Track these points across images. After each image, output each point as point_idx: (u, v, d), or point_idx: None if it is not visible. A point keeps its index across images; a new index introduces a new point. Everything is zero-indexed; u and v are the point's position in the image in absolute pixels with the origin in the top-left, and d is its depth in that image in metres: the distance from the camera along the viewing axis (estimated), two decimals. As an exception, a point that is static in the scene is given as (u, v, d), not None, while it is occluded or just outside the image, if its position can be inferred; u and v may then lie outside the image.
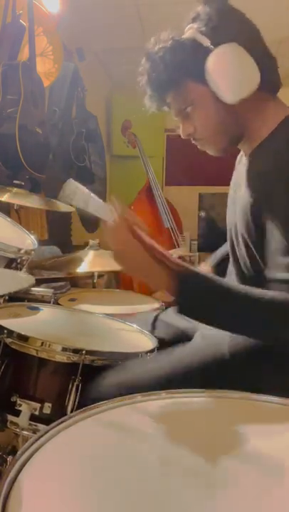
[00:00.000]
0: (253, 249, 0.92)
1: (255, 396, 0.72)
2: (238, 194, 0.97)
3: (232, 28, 0.91)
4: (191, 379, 0.92)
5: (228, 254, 1.11)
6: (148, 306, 1.65)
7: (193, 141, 1.02)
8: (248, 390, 0.73)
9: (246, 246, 0.93)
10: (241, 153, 1.09)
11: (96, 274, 2.07)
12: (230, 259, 1.06)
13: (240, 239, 0.95)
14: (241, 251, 0.96)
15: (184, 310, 0.86)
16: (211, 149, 1.01)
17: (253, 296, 0.82)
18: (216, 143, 0.99)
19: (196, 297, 0.85)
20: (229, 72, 0.89)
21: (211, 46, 0.89)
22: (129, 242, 0.88)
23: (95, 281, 2.09)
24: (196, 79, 0.92)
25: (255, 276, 0.93)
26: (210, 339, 1.01)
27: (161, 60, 0.92)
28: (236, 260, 1.01)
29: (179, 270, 0.86)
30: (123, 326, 1.28)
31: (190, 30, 0.93)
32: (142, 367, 0.99)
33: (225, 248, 1.28)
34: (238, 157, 1.11)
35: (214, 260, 1.31)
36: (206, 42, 0.90)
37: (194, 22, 0.93)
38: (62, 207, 2.06)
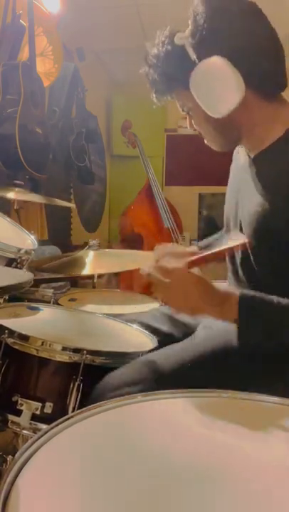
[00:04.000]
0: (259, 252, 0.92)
1: (255, 396, 0.72)
2: (246, 197, 0.96)
3: (219, 39, 0.86)
4: (203, 368, 0.91)
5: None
6: (148, 306, 1.65)
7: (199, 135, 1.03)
8: (258, 381, 0.73)
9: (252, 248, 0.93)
10: (237, 149, 1.08)
11: (96, 274, 2.06)
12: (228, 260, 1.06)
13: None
14: (243, 253, 0.96)
15: (249, 333, 0.83)
16: (213, 146, 1.02)
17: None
18: (213, 142, 1.00)
19: (258, 317, 0.83)
20: (210, 90, 0.87)
21: (196, 60, 0.87)
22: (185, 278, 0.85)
23: (95, 281, 2.09)
24: (188, 87, 0.90)
25: (251, 279, 0.94)
26: (217, 329, 1.00)
27: (156, 66, 0.93)
28: (233, 263, 1.02)
29: (239, 293, 0.84)
30: (123, 326, 1.28)
31: (180, 39, 0.90)
32: (154, 358, 0.97)
33: (217, 236, 1.30)
34: (236, 153, 1.10)
35: (204, 244, 1.30)
36: (193, 55, 0.87)
37: (190, 25, 0.89)
38: (62, 203, 2.05)
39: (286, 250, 0.88)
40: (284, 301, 0.82)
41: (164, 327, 1.21)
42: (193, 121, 1.00)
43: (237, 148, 1.09)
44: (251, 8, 0.90)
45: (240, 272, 1.00)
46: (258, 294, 0.84)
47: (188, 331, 1.16)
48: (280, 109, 0.93)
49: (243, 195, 0.98)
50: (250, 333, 0.83)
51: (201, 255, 0.93)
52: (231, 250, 0.98)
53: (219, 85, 0.86)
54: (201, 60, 0.86)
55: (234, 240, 0.95)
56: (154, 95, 0.99)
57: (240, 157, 1.05)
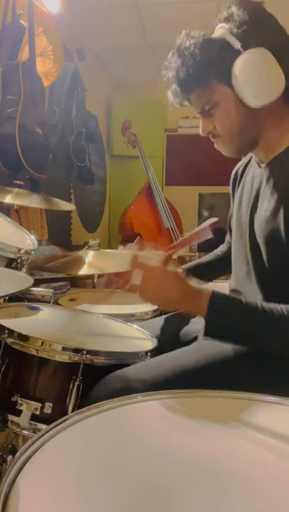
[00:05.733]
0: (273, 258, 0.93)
1: (255, 396, 0.72)
2: (259, 204, 0.97)
3: (263, 33, 0.91)
4: (196, 377, 0.93)
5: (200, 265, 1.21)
6: (148, 306, 1.65)
7: (211, 139, 1.02)
8: (253, 389, 0.74)
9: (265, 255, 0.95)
10: (245, 161, 1.09)
11: (96, 274, 2.06)
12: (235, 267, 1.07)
13: (258, 251, 0.96)
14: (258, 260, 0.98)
15: (213, 331, 0.87)
16: (225, 149, 1.02)
17: (267, 311, 0.84)
18: (230, 143, 0.99)
19: (225, 318, 0.87)
20: (256, 77, 0.89)
21: (241, 49, 0.89)
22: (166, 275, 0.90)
23: (95, 281, 2.09)
24: (222, 79, 0.92)
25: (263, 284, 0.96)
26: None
27: (192, 55, 0.92)
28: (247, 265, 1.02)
29: (212, 293, 0.87)
30: (123, 326, 1.28)
31: (221, 30, 0.93)
32: (148, 365, 0.99)
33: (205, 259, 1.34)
34: (242, 166, 1.12)
35: (187, 266, 1.33)
36: (237, 44, 0.90)
37: (226, 22, 0.92)
38: (63, 206, 2.06)
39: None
40: (252, 303, 0.86)
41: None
42: (215, 120, 0.98)
43: (242, 166, 1.10)
44: (272, 17, 0.95)
45: (254, 278, 1.00)
46: (228, 295, 0.88)
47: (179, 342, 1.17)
48: None
49: (255, 202, 0.99)
50: (217, 329, 0.87)
51: (178, 241, 0.96)
52: (207, 231, 1.01)
53: (264, 75, 0.89)
54: (246, 49, 0.89)
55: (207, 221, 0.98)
56: (175, 93, 0.98)
57: (251, 167, 1.06)
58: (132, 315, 1.49)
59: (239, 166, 1.14)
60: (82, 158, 3.27)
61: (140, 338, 1.18)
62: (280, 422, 0.66)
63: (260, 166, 1.00)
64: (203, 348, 1.00)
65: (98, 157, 4.04)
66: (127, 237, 3.89)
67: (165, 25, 3.11)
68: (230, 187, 1.17)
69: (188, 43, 0.93)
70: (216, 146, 1.02)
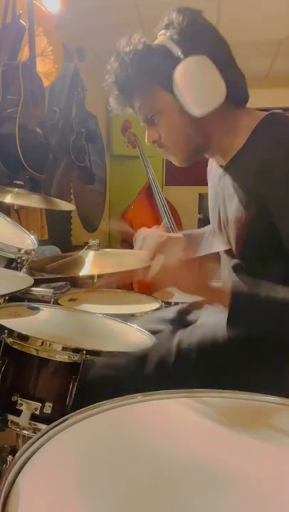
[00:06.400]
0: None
1: (256, 396, 0.72)
2: (231, 206, 0.97)
3: (203, 40, 0.90)
4: (190, 359, 0.95)
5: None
6: (148, 306, 1.65)
7: (157, 149, 1.01)
8: (245, 376, 0.74)
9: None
10: (212, 162, 1.10)
11: (96, 274, 2.06)
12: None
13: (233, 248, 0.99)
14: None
15: (238, 320, 0.86)
16: (173, 159, 1.01)
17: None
18: (178, 153, 0.99)
19: (247, 305, 0.85)
20: (196, 85, 0.88)
21: (181, 56, 0.88)
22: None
23: (95, 281, 2.09)
24: (163, 87, 0.91)
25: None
26: (207, 323, 1.03)
27: (131, 62, 0.91)
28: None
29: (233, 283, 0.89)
30: (123, 326, 1.28)
31: (162, 37, 0.92)
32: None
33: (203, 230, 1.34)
34: (209, 166, 1.14)
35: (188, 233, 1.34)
36: (177, 51, 0.88)
37: (167, 29, 0.91)
38: (63, 205, 2.06)
39: (266, 253, 0.91)
40: (272, 294, 0.85)
41: (158, 326, 1.23)
42: (159, 129, 0.97)
43: (210, 161, 1.11)
44: (212, 26, 0.94)
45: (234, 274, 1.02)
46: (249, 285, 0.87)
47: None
48: (244, 119, 0.94)
49: (222, 202, 1.01)
50: (239, 319, 0.86)
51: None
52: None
53: (204, 83, 0.88)
54: (187, 56, 0.88)
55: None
56: (116, 99, 0.98)
57: (213, 168, 1.09)
58: (132, 315, 1.49)
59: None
60: (82, 158, 3.26)
61: (140, 337, 1.18)
62: (281, 421, 0.66)
63: (221, 166, 1.01)
64: (199, 329, 1.02)
65: (98, 157, 4.03)
66: (127, 237, 3.88)
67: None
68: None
69: (128, 49, 0.92)
70: (163, 156, 1.02)
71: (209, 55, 0.87)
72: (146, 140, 1.01)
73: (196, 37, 0.89)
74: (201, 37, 0.90)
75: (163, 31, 0.92)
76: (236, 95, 0.93)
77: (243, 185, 0.92)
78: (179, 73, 0.88)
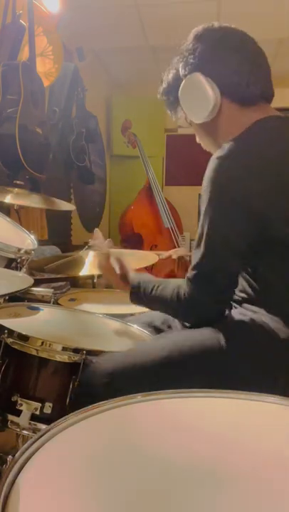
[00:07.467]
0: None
1: (255, 396, 0.72)
2: None
3: (201, 56, 1.02)
4: (191, 362, 0.98)
5: None
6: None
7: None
8: (244, 379, 0.77)
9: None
10: None
11: (96, 274, 2.06)
12: None
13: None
14: None
15: (134, 301, 1.16)
16: (211, 151, 1.12)
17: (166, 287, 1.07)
18: (211, 150, 1.11)
19: (139, 294, 1.12)
20: (191, 99, 1.04)
21: (183, 76, 1.04)
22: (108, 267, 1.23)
23: (94, 281, 2.09)
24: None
25: None
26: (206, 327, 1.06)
27: (161, 89, 1.13)
28: None
29: (132, 281, 1.15)
30: (123, 326, 1.28)
31: (179, 60, 1.07)
32: (143, 349, 1.06)
33: None
34: None
35: None
36: (182, 72, 1.05)
37: (181, 54, 1.06)
38: (63, 205, 2.06)
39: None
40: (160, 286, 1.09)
41: (157, 323, 1.27)
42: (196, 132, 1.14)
43: None
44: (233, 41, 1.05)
45: None
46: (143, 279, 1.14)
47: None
48: (250, 117, 1.01)
49: None
50: (138, 301, 1.15)
51: None
52: None
53: (196, 94, 1.02)
54: (186, 76, 1.04)
55: None
56: (170, 113, 1.17)
57: None
58: (132, 315, 1.49)
59: None
60: (82, 158, 3.26)
61: (140, 338, 1.18)
62: (281, 421, 0.66)
63: None
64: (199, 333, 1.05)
65: (98, 157, 4.03)
66: (127, 237, 3.89)
67: (165, 25, 3.12)
68: None
69: (164, 79, 1.12)
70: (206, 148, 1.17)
71: (205, 69, 1.01)
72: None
73: (197, 57, 1.02)
74: (201, 55, 1.02)
75: (178, 57, 1.07)
76: (241, 97, 1.02)
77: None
78: (180, 91, 1.06)
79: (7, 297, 1.27)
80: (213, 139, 1.09)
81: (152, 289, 1.10)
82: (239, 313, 1.02)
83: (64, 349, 0.98)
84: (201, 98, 1.02)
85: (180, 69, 1.06)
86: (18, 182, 2.08)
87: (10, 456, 1.07)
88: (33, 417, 0.96)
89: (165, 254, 2.14)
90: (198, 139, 1.15)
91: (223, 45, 1.03)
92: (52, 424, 0.61)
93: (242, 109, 1.03)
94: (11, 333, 1.01)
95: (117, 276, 1.21)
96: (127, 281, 1.17)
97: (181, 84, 1.05)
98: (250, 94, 1.02)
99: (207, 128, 1.08)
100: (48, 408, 0.97)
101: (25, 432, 0.96)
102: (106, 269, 1.25)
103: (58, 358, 0.99)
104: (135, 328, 1.24)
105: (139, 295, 1.13)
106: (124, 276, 1.20)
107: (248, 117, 1.01)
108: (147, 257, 2.04)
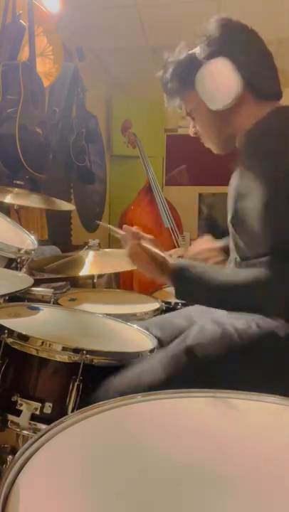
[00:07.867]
0: (237, 236, 1.05)
1: (255, 396, 0.72)
2: (231, 185, 1.10)
3: (226, 43, 1.01)
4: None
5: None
6: (148, 306, 1.65)
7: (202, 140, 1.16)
8: (244, 379, 0.81)
9: (233, 234, 1.07)
10: None
11: (96, 274, 2.06)
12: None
13: (230, 229, 1.09)
14: (231, 239, 1.10)
15: (181, 294, 1.04)
16: (211, 147, 1.15)
17: (233, 275, 1.02)
18: (213, 142, 1.13)
19: (188, 283, 1.01)
20: (212, 83, 1.02)
21: (204, 59, 1.01)
22: (138, 251, 1.10)
23: (95, 281, 2.09)
24: (192, 87, 1.05)
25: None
26: (216, 323, 1.05)
27: (168, 71, 1.08)
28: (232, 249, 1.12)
29: (174, 265, 1.05)
30: (123, 326, 1.28)
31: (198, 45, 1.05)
32: (155, 367, 1.01)
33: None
34: None
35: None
36: (201, 55, 1.02)
37: (200, 38, 1.04)
38: (63, 205, 2.06)
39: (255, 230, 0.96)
40: (209, 271, 1.04)
41: (154, 331, 1.23)
42: (196, 123, 1.12)
43: None
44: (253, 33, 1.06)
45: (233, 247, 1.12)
46: (189, 265, 1.05)
47: (177, 335, 1.17)
48: (258, 111, 1.03)
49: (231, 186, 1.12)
50: (183, 292, 1.03)
51: None
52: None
53: (221, 80, 1.00)
54: (208, 59, 1.01)
55: None
56: (165, 98, 1.13)
57: None
58: (132, 315, 1.49)
59: None
60: (82, 158, 3.26)
61: (140, 337, 1.18)
62: (281, 421, 0.66)
63: None
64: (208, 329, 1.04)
65: (98, 157, 4.03)
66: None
67: (165, 25, 3.11)
68: None
69: (171, 59, 1.08)
70: (205, 145, 1.16)
71: (229, 56, 0.99)
72: (190, 131, 1.16)
73: (219, 41, 1.01)
74: (225, 40, 1.01)
75: (198, 41, 1.04)
76: (261, 91, 1.03)
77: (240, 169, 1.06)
78: (199, 74, 1.02)
79: (7, 297, 1.27)
80: (218, 130, 1.09)
81: (204, 269, 1.03)
82: (239, 313, 1.02)
83: (64, 349, 0.98)
84: (225, 84, 1.00)
85: (199, 51, 1.03)
86: (18, 182, 2.08)
87: (10, 456, 1.08)
88: (33, 417, 0.96)
89: (165, 254, 2.14)
90: (198, 129, 1.13)
91: (253, 38, 1.05)
92: (52, 424, 0.61)
93: (257, 102, 1.04)
94: (11, 333, 1.01)
95: (152, 263, 1.08)
96: (164, 268, 1.06)
97: (203, 67, 1.01)
98: (270, 89, 1.05)
99: (218, 117, 1.06)
100: (48, 408, 0.96)
101: (25, 431, 0.96)
102: (139, 257, 1.09)
103: (58, 358, 0.99)
104: (135, 328, 1.24)
105: (185, 276, 1.01)
106: (160, 263, 1.07)
107: (260, 111, 1.03)
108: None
